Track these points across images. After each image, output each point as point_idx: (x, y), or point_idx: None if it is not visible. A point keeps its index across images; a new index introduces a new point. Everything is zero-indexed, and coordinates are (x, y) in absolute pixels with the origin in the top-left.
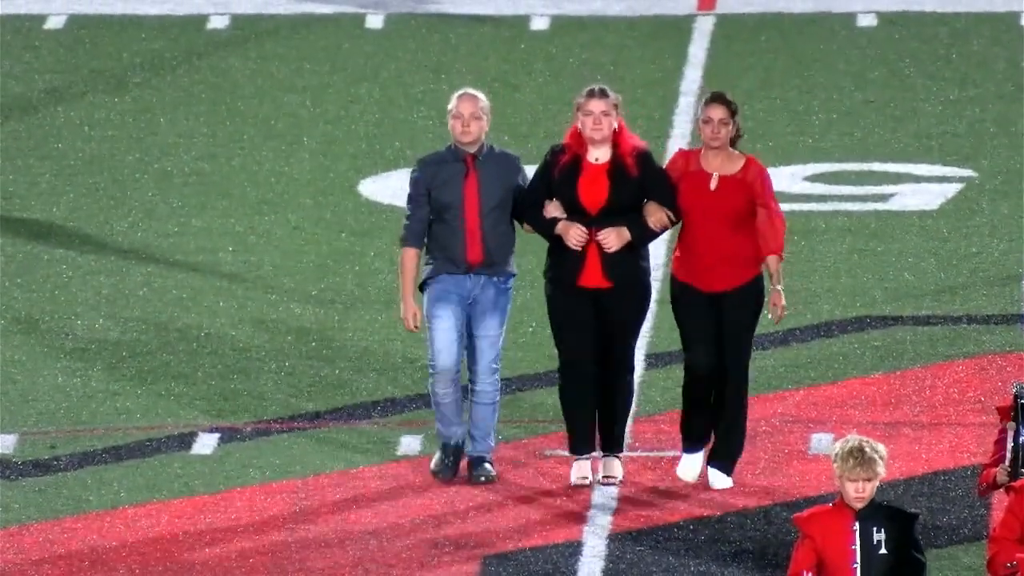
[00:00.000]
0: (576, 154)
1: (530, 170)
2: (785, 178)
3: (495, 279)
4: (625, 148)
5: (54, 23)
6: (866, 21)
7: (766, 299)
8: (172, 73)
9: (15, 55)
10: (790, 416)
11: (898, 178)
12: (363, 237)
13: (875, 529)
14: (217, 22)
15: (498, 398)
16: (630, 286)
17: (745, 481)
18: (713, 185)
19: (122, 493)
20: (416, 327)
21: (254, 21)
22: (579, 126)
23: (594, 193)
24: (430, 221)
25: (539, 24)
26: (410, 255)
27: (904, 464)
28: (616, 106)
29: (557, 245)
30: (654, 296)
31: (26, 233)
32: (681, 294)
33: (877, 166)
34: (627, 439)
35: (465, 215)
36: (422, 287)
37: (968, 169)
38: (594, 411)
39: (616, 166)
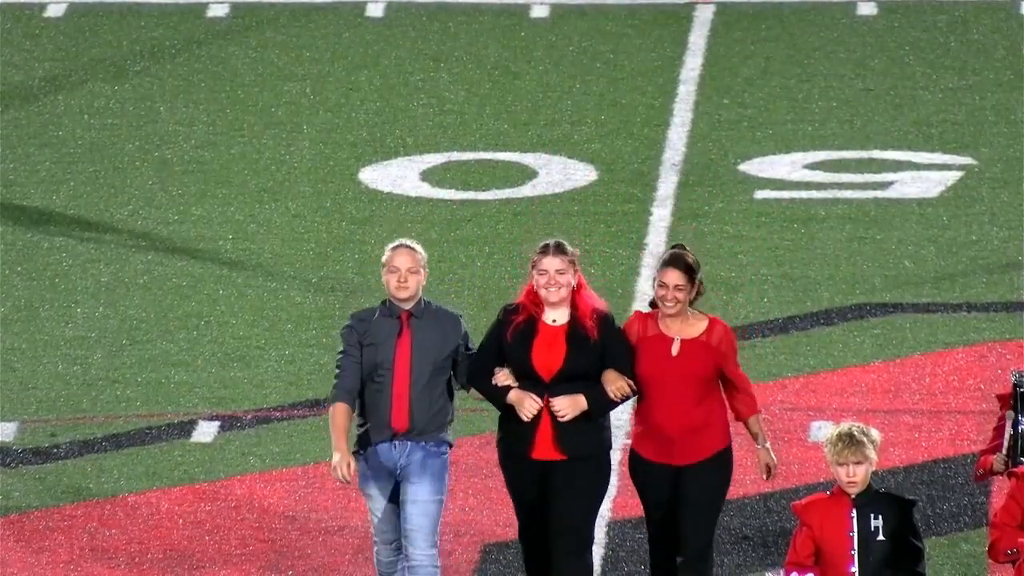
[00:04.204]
0: (531, 315)
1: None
2: (785, 166)
3: (422, 444)
4: (584, 310)
5: (54, 11)
6: (866, 10)
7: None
8: (172, 61)
9: (15, 43)
10: (789, 404)
11: (898, 166)
12: (363, 225)
13: (873, 516)
14: (217, 10)
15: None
16: (587, 459)
17: (744, 469)
18: (675, 351)
19: (122, 481)
20: (348, 479)
21: (254, 9)
22: (534, 285)
23: (549, 358)
24: (359, 379)
25: (539, 12)
26: (339, 409)
27: (904, 452)
28: (573, 262)
29: (509, 414)
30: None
31: (26, 221)
32: (641, 470)
33: (877, 154)
34: None
35: (395, 377)
36: (354, 454)
37: (968, 157)
38: None
39: (574, 329)
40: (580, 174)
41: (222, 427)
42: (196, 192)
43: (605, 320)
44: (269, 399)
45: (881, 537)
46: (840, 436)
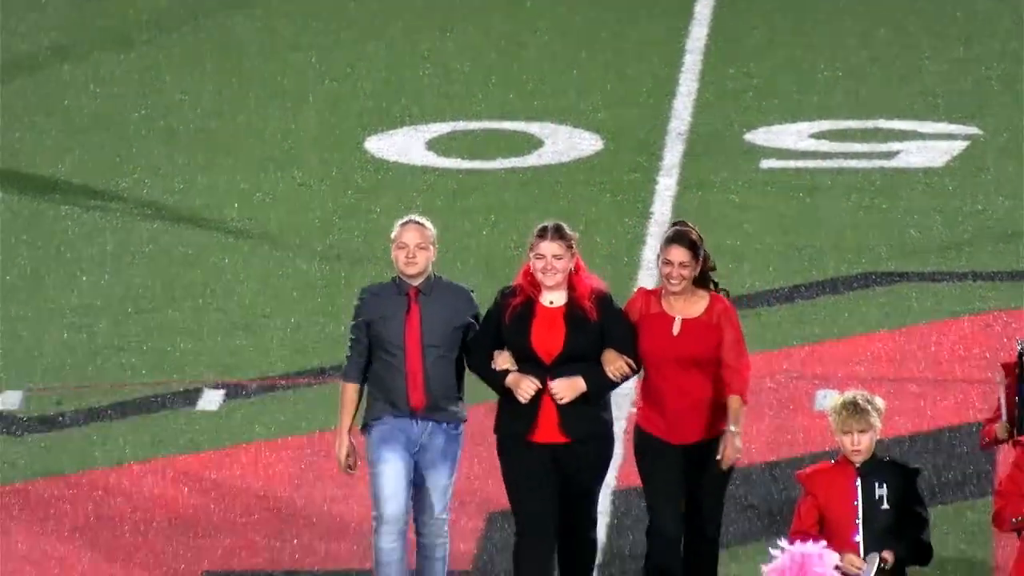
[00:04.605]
0: (528, 297)
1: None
2: (791, 136)
3: (443, 425)
4: (583, 291)
5: None
6: None
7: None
8: (178, 31)
9: (21, 13)
10: (795, 372)
11: (903, 135)
12: (369, 194)
13: (877, 484)
14: None
15: (447, 551)
16: (589, 440)
17: (750, 437)
18: (676, 330)
19: (127, 449)
20: (350, 467)
21: None
22: (531, 268)
23: (549, 340)
24: (369, 357)
25: None
26: (348, 390)
27: (909, 420)
28: (571, 246)
29: (508, 397)
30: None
31: (32, 190)
32: (647, 448)
33: (882, 123)
34: None
35: (407, 355)
36: (364, 427)
37: (973, 127)
38: None
39: (573, 310)
40: (586, 143)
41: (228, 395)
42: (202, 161)
43: (603, 300)
44: (275, 367)
45: (886, 506)
46: (845, 404)
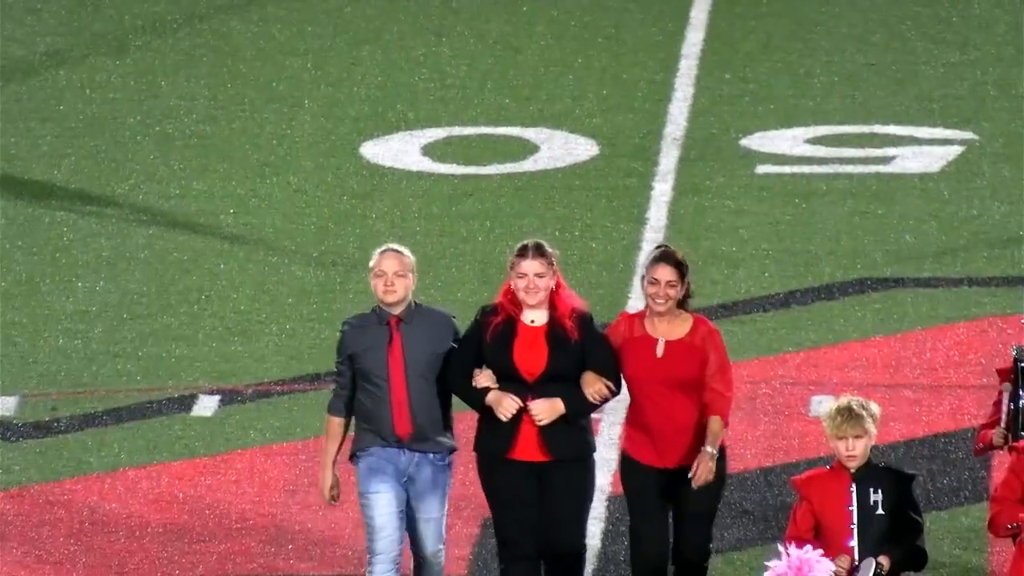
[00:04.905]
0: (510, 315)
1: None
2: (786, 141)
3: (430, 456)
4: (564, 310)
5: None
6: None
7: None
8: (173, 36)
9: (17, 18)
10: (790, 378)
11: (899, 140)
12: (364, 200)
13: (872, 490)
14: None
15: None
16: (571, 460)
17: (745, 443)
18: (660, 352)
19: (122, 455)
20: (333, 499)
21: None
22: (512, 286)
23: (531, 359)
24: (354, 389)
25: None
26: (333, 424)
27: (904, 426)
28: (552, 264)
29: (487, 415)
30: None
31: (27, 195)
32: (632, 472)
33: (878, 128)
34: None
35: (391, 384)
36: (353, 457)
37: (969, 132)
38: None
39: (554, 329)
40: (581, 148)
41: (223, 401)
42: (197, 167)
43: (584, 320)
44: (270, 373)
45: (881, 511)
46: (839, 410)
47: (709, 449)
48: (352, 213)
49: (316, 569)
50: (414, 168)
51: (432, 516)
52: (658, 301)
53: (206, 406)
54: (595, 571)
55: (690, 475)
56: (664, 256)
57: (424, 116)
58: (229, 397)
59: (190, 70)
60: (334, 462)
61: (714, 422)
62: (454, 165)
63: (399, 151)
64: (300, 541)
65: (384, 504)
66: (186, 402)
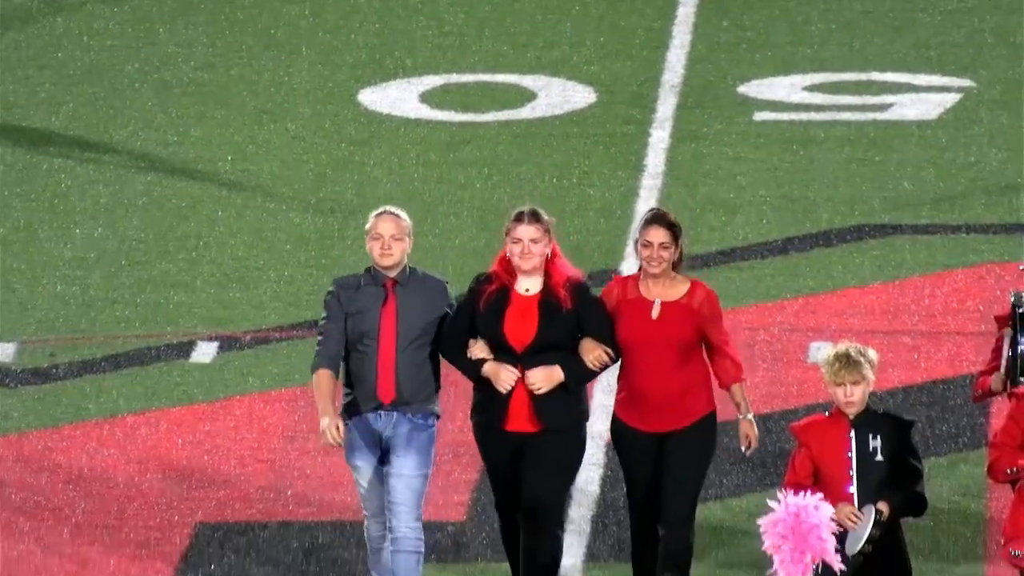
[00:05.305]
0: (504, 284)
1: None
2: (784, 88)
3: (408, 415)
4: (558, 278)
5: None
6: None
7: (719, 435)
8: None
9: None
10: (788, 325)
11: (897, 88)
12: (362, 146)
13: (871, 436)
14: None
15: (422, 549)
16: (562, 431)
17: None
18: (655, 313)
19: (121, 401)
20: (338, 441)
21: None
22: (507, 253)
23: (521, 329)
24: (340, 347)
25: None
26: (322, 375)
27: (903, 373)
28: (548, 230)
29: (483, 385)
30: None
31: (25, 143)
32: (623, 436)
33: (876, 76)
34: None
35: (380, 346)
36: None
37: (967, 79)
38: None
39: (547, 299)
40: (579, 96)
41: (221, 347)
42: (195, 114)
43: (579, 289)
44: (268, 319)
45: (879, 457)
46: (837, 356)
47: (749, 416)
48: (350, 160)
49: (315, 515)
50: (412, 115)
51: (404, 472)
52: (652, 264)
53: (204, 352)
54: (594, 517)
55: (743, 447)
56: (656, 218)
57: (422, 63)
58: (227, 343)
59: (188, 17)
60: (332, 407)
61: (736, 392)
62: (452, 112)
63: (397, 98)
64: (299, 487)
65: (366, 476)
66: (184, 348)
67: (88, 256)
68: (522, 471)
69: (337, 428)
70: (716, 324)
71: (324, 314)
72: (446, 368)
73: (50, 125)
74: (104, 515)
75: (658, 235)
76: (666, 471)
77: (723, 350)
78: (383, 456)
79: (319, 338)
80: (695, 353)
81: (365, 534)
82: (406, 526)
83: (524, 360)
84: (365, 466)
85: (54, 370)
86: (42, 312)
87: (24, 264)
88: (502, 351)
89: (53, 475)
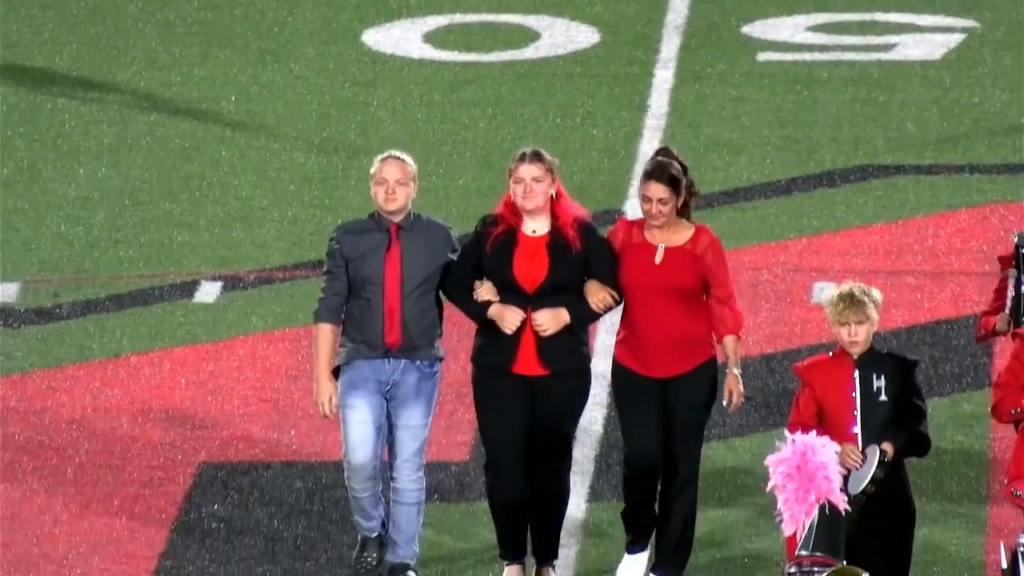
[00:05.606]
0: (510, 226)
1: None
2: (788, 28)
3: (416, 363)
4: (565, 219)
5: None
6: None
7: (721, 384)
8: None
9: None
10: (792, 265)
11: (900, 28)
12: (366, 87)
13: (875, 376)
14: None
15: (423, 498)
16: (568, 373)
17: (746, 330)
18: (658, 258)
19: (124, 341)
20: (332, 412)
21: None
22: (511, 193)
23: (532, 269)
24: (348, 297)
25: None
26: (325, 331)
27: (906, 313)
28: (551, 170)
29: (487, 327)
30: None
31: (29, 82)
32: (623, 379)
33: (880, 16)
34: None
35: (384, 292)
36: (336, 372)
37: (970, 19)
38: (524, 513)
39: (556, 239)
40: (583, 36)
41: (224, 287)
42: (198, 53)
43: (586, 229)
44: (271, 259)
45: (883, 397)
46: (841, 296)
47: (736, 371)
48: (354, 100)
49: (318, 455)
50: (415, 55)
51: (412, 423)
52: (651, 218)
53: (208, 292)
54: (597, 456)
55: (724, 402)
56: (655, 173)
57: (425, 3)
58: (231, 283)
59: None
60: (328, 374)
61: (728, 343)
62: (455, 52)
63: (400, 38)
64: (302, 427)
65: (361, 420)
66: (188, 288)
67: (92, 196)
68: (533, 414)
69: (330, 400)
70: (719, 271)
71: (327, 262)
72: (448, 309)
73: (53, 65)
74: (107, 455)
75: (657, 190)
76: (673, 415)
77: (724, 299)
78: (381, 401)
79: (322, 286)
80: (697, 299)
81: (349, 494)
82: (408, 479)
83: (534, 301)
84: (364, 407)
85: (57, 310)
86: (45, 252)
87: (27, 204)
88: (511, 292)
89: (56, 415)
